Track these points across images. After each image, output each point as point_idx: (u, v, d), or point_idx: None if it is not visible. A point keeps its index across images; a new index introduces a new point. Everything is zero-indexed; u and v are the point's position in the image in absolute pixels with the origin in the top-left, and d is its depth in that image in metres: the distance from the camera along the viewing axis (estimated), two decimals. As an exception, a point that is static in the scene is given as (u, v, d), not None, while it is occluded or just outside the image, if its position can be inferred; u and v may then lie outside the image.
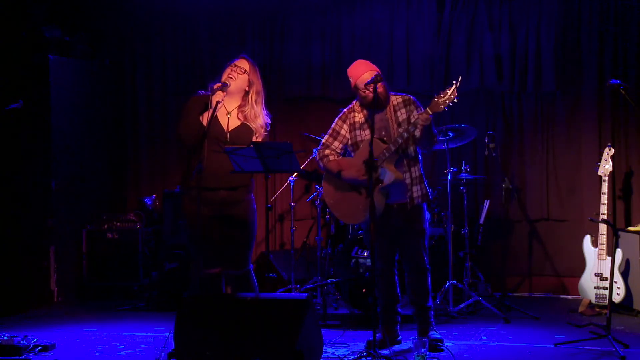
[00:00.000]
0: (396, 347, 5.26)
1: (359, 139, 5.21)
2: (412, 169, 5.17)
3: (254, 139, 4.96)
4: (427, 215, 5.33)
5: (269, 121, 5.13)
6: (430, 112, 4.85)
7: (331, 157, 5.25)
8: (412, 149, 5.15)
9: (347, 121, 5.28)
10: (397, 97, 5.22)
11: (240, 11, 7.94)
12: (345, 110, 5.32)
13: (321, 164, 5.29)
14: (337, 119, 5.33)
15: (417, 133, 4.98)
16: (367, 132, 5.15)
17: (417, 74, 7.48)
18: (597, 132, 7.14)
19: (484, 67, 7.34)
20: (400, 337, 5.40)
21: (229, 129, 4.98)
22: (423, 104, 5.12)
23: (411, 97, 5.24)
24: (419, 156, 5.25)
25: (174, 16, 8.10)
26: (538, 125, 7.36)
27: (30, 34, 7.33)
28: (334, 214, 5.49)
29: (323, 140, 5.33)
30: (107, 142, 8.14)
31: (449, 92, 4.82)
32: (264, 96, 5.12)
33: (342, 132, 5.28)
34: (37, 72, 7.29)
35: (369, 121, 5.08)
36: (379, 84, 5.03)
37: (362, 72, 5.14)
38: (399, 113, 5.16)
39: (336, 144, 5.28)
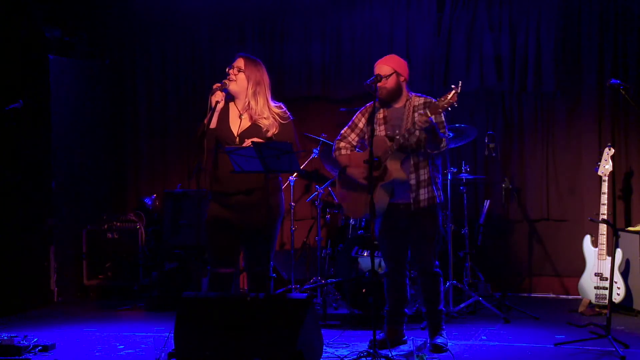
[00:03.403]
0: (398, 348, 5.26)
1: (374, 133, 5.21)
2: (421, 171, 5.11)
3: (269, 134, 4.91)
4: (439, 219, 5.26)
5: (284, 108, 5.05)
6: (430, 115, 4.82)
7: (343, 151, 5.26)
8: (421, 151, 5.10)
9: (367, 115, 5.24)
10: (420, 98, 5.17)
11: (240, 11, 7.94)
12: (368, 105, 5.26)
13: (333, 155, 5.32)
14: (358, 111, 5.33)
15: (418, 135, 4.98)
16: (382, 127, 5.16)
17: (417, 74, 7.45)
18: (597, 132, 7.14)
19: (484, 67, 7.33)
20: (407, 337, 5.39)
21: (239, 132, 4.95)
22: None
23: (434, 100, 5.11)
24: (435, 160, 5.19)
25: (174, 16, 8.09)
26: (538, 125, 7.36)
27: (30, 34, 7.32)
28: (342, 205, 5.48)
29: (342, 131, 5.33)
30: (107, 142, 8.14)
31: (449, 96, 4.78)
32: (269, 86, 5.05)
33: (360, 124, 5.27)
34: (37, 72, 7.28)
35: (385, 118, 5.14)
36: (389, 79, 5.05)
37: (375, 66, 5.16)
38: (416, 114, 5.07)
39: (353, 135, 5.29)
